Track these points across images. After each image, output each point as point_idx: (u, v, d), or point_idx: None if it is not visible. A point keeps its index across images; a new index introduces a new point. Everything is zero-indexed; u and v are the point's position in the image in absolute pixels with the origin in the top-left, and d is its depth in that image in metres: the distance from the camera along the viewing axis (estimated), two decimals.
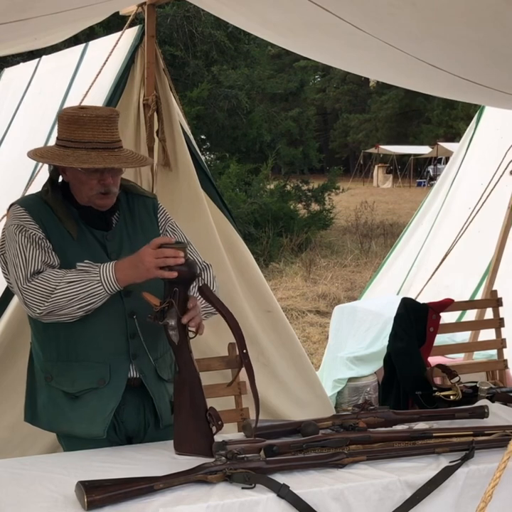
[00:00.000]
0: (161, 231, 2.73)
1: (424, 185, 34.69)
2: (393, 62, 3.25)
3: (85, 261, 2.48)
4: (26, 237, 2.51)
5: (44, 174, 3.80)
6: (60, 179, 2.67)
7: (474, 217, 5.41)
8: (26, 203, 2.63)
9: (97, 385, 2.55)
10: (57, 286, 2.42)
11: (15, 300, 3.57)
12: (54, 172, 2.65)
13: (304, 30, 3.10)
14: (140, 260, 2.40)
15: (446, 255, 5.50)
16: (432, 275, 5.57)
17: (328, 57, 4.05)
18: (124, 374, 2.58)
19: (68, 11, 2.91)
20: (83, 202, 2.60)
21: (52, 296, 2.42)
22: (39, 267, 2.48)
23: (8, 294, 3.61)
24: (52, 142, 3.85)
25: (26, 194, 3.75)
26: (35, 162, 4.01)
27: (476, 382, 3.22)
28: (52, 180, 2.66)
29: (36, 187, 3.77)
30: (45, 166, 3.83)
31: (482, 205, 5.35)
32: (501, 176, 5.28)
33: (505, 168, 5.30)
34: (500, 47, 2.61)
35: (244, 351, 2.46)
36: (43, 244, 2.52)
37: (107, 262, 2.50)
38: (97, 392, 2.55)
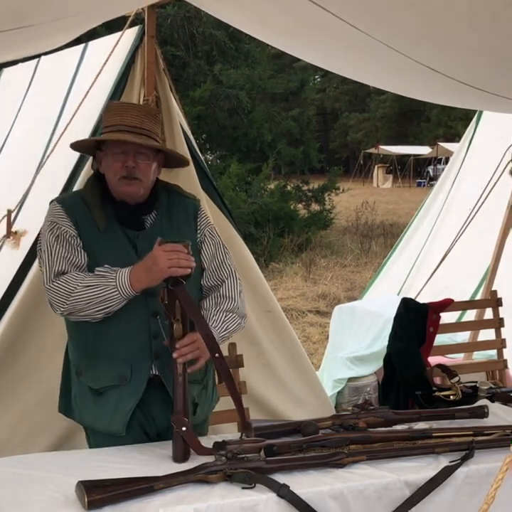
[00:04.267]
0: (198, 235, 2.74)
1: (424, 185, 34.68)
2: (393, 65, 3.25)
3: (105, 265, 2.51)
4: (55, 235, 2.56)
5: (44, 175, 3.81)
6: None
7: (474, 217, 5.41)
8: (63, 199, 2.70)
9: (119, 383, 2.58)
10: (75, 289, 2.48)
11: (15, 302, 3.58)
12: (95, 165, 2.72)
13: (303, 31, 3.10)
14: (153, 262, 2.41)
15: (445, 255, 5.50)
16: (432, 275, 5.56)
17: (327, 61, 4.04)
18: (145, 373, 2.60)
19: (69, 17, 2.91)
20: (115, 193, 2.63)
21: (71, 298, 2.48)
22: (63, 268, 2.53)
23: (9, 294, 3.62)
24: (53, 142, 3.88)
25: (29, 195, 3.77)
26: (36, 163, 4.01)
27: (476, 382, 3.23)
28: (94, 176, 2.72)
29: (37, 187, 3.78)
30: (45, 167, 3.84)
31: (482, 205, 5.35)
32: (500, 175, 5.27)
33: (505, 168, 5.29)
34: (499, 48, 2.61)
35: (217, 355, 2.47)
36: (73, 241, 2.56)
37: (136, 261, 2.51)
38: (118, 389, 2.59)
